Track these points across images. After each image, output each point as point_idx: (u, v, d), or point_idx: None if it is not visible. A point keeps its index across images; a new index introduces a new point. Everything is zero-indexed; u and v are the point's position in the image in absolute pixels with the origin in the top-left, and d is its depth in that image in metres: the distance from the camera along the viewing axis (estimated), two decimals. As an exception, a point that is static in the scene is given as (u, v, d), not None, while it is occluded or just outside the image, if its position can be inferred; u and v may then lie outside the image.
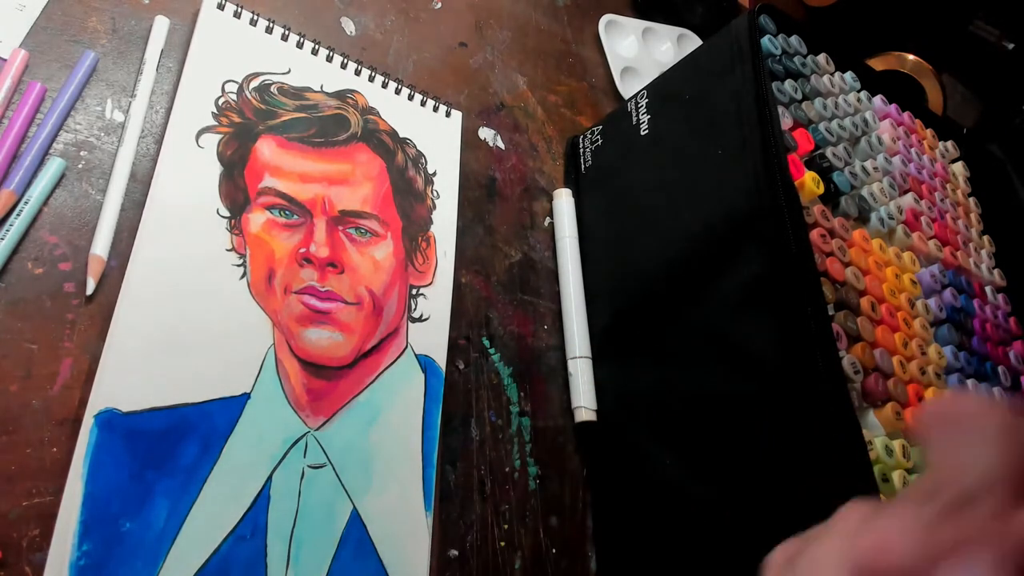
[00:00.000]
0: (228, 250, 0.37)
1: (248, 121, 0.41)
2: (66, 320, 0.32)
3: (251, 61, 0.42)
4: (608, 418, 0.46)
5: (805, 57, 0.51)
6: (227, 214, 0.38)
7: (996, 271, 0.56)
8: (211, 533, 0.32)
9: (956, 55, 0.85)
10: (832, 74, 0.52)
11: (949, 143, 0.61)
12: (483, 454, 0.43)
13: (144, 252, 0.35)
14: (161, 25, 0.40)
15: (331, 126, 0.43)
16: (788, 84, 0.47)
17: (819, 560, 0.19)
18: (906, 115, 0.57)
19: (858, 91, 0.54)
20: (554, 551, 0.43)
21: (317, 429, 0.37)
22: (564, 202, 0.54)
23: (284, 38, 0.44)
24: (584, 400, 0.47)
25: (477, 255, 0.48)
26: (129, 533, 0.30)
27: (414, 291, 0.43)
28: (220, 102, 0.40)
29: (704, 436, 0.40)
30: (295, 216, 0.40)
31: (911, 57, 0.77)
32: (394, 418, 0.39)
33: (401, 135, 0.47)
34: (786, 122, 0.45)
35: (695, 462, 0.41)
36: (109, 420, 0.31)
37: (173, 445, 0.33)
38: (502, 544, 0.41)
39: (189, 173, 0.38)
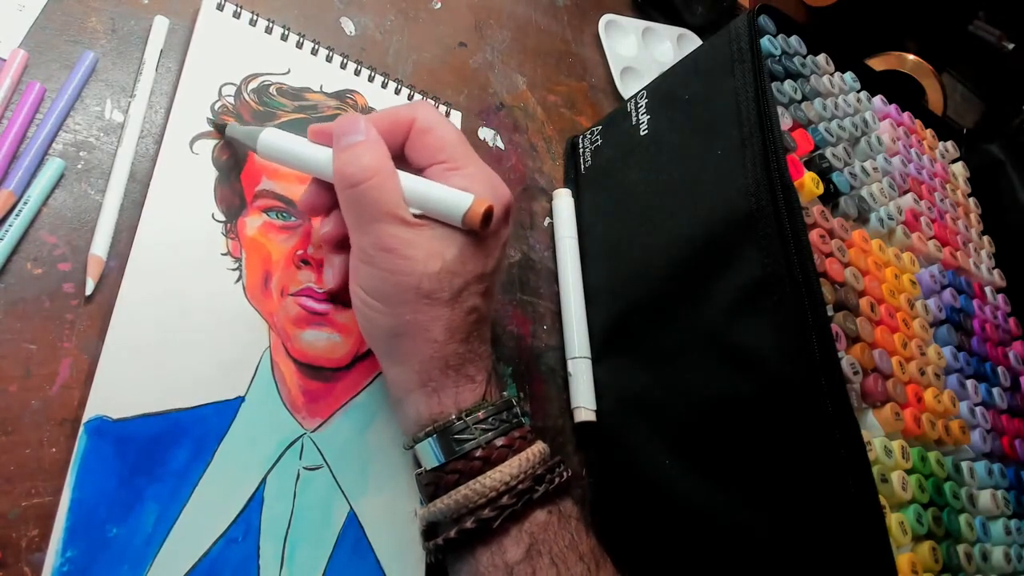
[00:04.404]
0: (224, 254, 0.37)
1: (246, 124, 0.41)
2: (65, 320, 0.32)
3: (250, 61, 0.42)
4: (607, 418, 0.46)
5: (805, 57, 0.51)
6: (223, 218, 0.38)
7: (996, 271, 0.55)
8: (201, 536, 0.32)
9: (956, 55, 0.85)
10: (832, 74, 0.52)
11: (949, 143, 0.61)
12: (482, 454, 0.43)
13: (141, 258, 0.35)
14: (160, 25, 0.40)
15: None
16: (788, 84, 0.47)
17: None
18: (906, 115, 0.57)
19: (858, 91, 0.54)
20: (553, 551, 0.43)
21: (314, 431, 0.37)
22: (564, 202, 0.54)
23: (284, 38, 0.44)
24: (583, 400, 0.47)
25: (476, 255, 0.48)
26: (115, 539, 0.30)
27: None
28: (217, 107, 0.40)
29: (703, 437, 0.40)
30: (292, 218, 0.40)
31: (911, 57, 0.76)
32: (392, 419, 0.39)
33: (400, 135, 0.47)
34: (786, 122, 0.45)
35: (694, 462, 0.41)
36: (99, 427, 0.31)
37: (164, 450, 0.32)
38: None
39: (186, 177, 0.38)
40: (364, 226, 0.33)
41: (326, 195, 0.36)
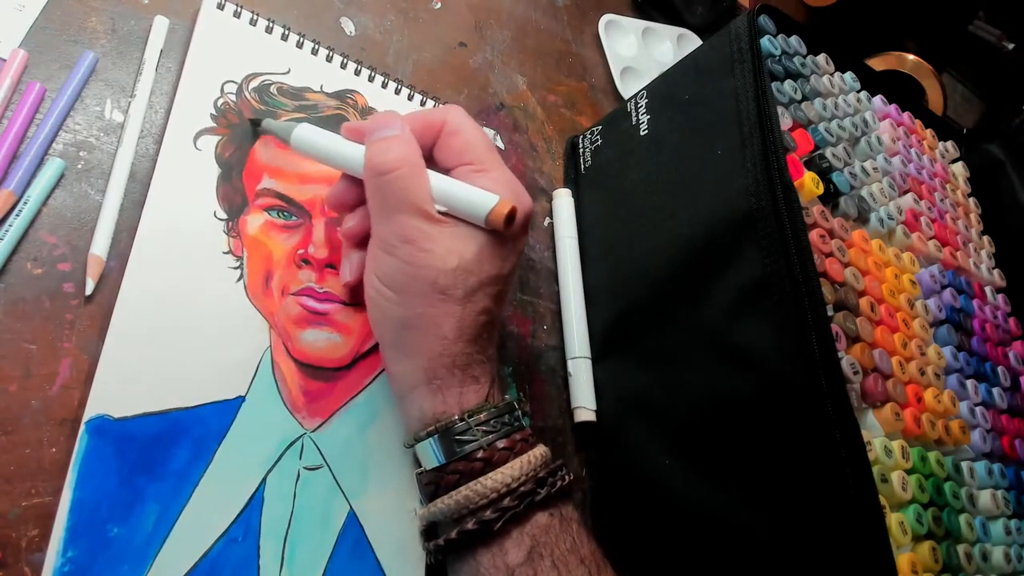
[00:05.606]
0: (225, 252, 0.37)
1: (247, 122, 0.41)
2: (65, 320, 0.32)
3: (251, 61, 0.42)
4: (607, 418, 0.46)
5: (805, 57, 0.51)
6: (224, 216, 0.38)
7: (996, 271, 0.55)
8: (201, 536, 0.32)
9: (956, 55, 0.85)
10: (832, 74, 0.52)
11: (949, 143, 0.61)
12: (482, 454, 0.43)
13: (141, 257, 0.35)
14: (160, 25, 0.40)
15: (331, 126, 0.43)
16: (788, 84, 0.47)
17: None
18: (906, 115, 0.57)
19: (858, 91, 0.54)
20: (553, 551, 0.43)
21: (314, 431, 0.37)
22: (564, 202, 0.54)
23: (284, 38, 0.44)
24: (584, 400, 0.47)
25: (476, 255, 0.48)
26: (116, 538, 0.30)
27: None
28: (219, 103, 0.40)
29: (703, 437, 0.40)
30: (294, 217, 0.40)
31: (911, 57, 0.76)
32: (393, 418, 0.39)
33: (400, 135, 0.47)
34: (786, 122, 0.45)
35: (694, 462, 0.41)
36: (100, 426, 0.31)
37: (165, 450, 0.32)
38: (501, 544, 0.41)
39: (187, 176, 0.38)
40: (388, 215, 0.33)
41: (354, 191, 0.37)
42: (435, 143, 0.37)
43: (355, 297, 0.40)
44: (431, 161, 0.36)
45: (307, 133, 0.37)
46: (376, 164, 0.34)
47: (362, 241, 0.38)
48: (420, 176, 0.34)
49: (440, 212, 0.34)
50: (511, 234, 0.35)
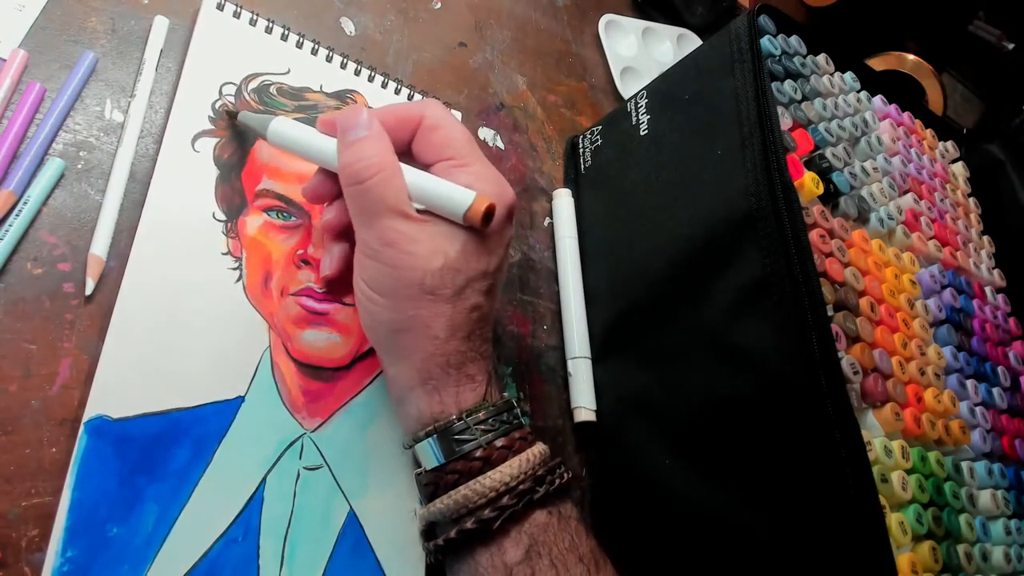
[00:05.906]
0: (224, 254, 0.37)
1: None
2: (65, 320, 0.32)
3: (250, 61, 0.42)
4: (607, 418, 0.46)
5: (805, 57, 0.51)
6: (223, 217, 0.38)
7: (996, 271, 0.55)
8: (201, 536, 0.32)
9: (956, 55, 0.85)
10: (832, 74, 0.52)
11: (949, 143, 0.61)
12: (482, 454, 0.43)
13: (140, 258, 0.35)
14: (160, 25, 0.40)
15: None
16: (788, 84, 0.47)
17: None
18: (906, 115, 0.57)
19: (858, 91, 0.54)
20: (553, 551, 0.43)
21: (314, 431, 0.37)
22: (563, 202, 0.54)
23: (284, 38, 0.44)
24: (583, 400, 0.47)
25: (476, 255, 0.48)
26: (116, 538, 0.30)
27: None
28: (217, 105, 0.40)
29: (703, 437, 0.40)
30: (293, 218, 0.40)
31: (911, 57, 0.76)
32: (392, 419, 0.39)
33: (400, 135, 0.47)
34: (786, 122, 0.45)
35: (694, 462, 0.41)
36: (99, 427, 0.31)
37: (165, 450, 0.32)
38: (501, 544, 0.41)
39: (186, 177, 0.38)
40: (368, 221, 0.33)
41: (331, 184, 0.37)
42: (412, 137, 0.36)
43: (335, 290, 0.40)
44: (409, 156, 0.36)
45: (283, 127, 0.36)
46: (351, 173, 0.33)
47: (341, 233, 0.37)
48: (396, 177, 0.33)
49: (420, 210, 0.33)
50: (491, 231, 0.34)
